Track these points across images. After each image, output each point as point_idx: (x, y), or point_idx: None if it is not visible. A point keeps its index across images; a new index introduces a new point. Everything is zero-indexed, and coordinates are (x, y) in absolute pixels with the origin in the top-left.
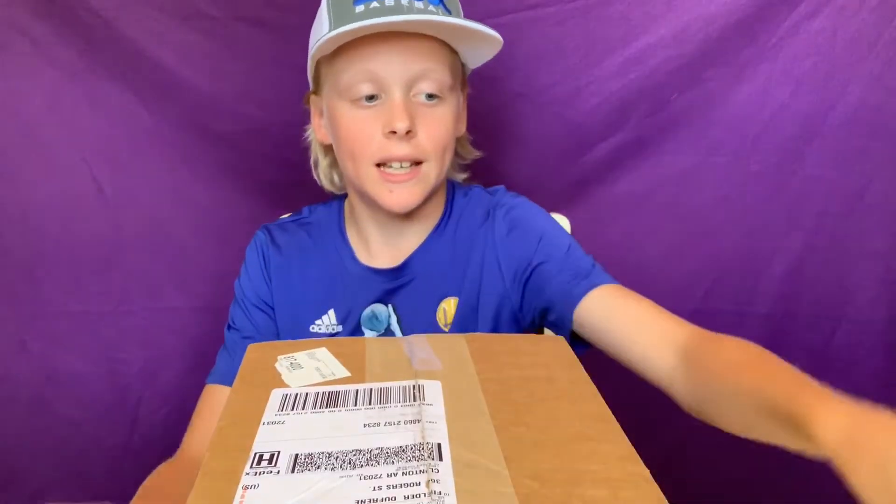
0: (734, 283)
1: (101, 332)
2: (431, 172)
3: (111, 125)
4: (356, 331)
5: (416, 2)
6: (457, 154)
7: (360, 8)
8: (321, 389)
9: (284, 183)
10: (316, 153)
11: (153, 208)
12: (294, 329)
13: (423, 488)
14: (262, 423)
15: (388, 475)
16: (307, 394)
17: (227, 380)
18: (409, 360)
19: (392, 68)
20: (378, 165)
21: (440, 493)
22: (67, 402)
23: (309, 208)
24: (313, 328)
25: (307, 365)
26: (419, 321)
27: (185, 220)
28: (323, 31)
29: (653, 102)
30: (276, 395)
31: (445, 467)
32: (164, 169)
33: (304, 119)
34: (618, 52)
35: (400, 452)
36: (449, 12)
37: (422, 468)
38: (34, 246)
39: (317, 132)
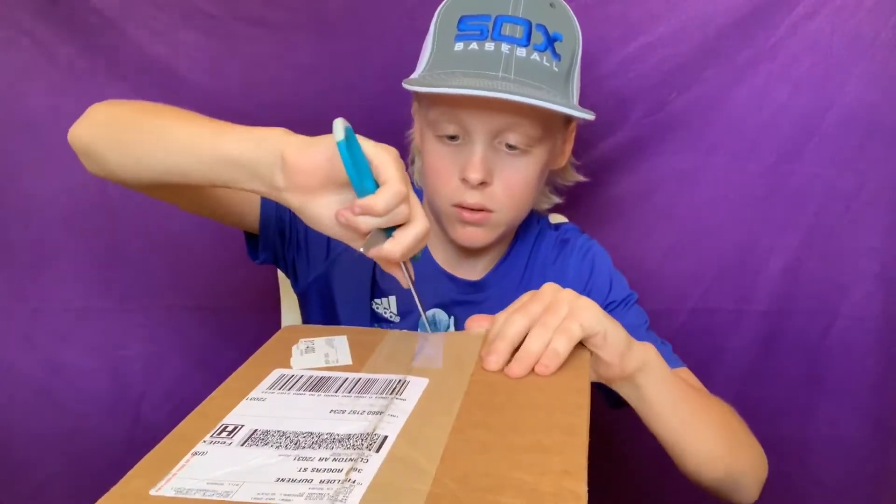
0: (732, 281)
1: (103, 328)
2: (502, 220)
3: None
4: (413, 328)
5: (518, 48)
6: (559, 178)
7: (459, 46)
8: (316, 374)
9: None
10: (413, 153)
11: (154, 207)
12: (356, 296)
13: (341, 475)
14: (246, 397)
15: (319, 459)
16: (301, 376)
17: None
18: (412, 356)
19: (476, 118)
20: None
21: (354, 482)
22: (70, 398)
23: None
24: (375, 305)
25: (319, 350)
26: None
27: (186, 219)
28: (424, 58)
29: (651, 102)
30: (274, 375)
31: (377, 459)
32: None
33: (304, 119)
34: (616, 52)
35: (344, 440)
36: (557, 57)
37: (352, 457)
38: (37, 243)
39: (416, 137)
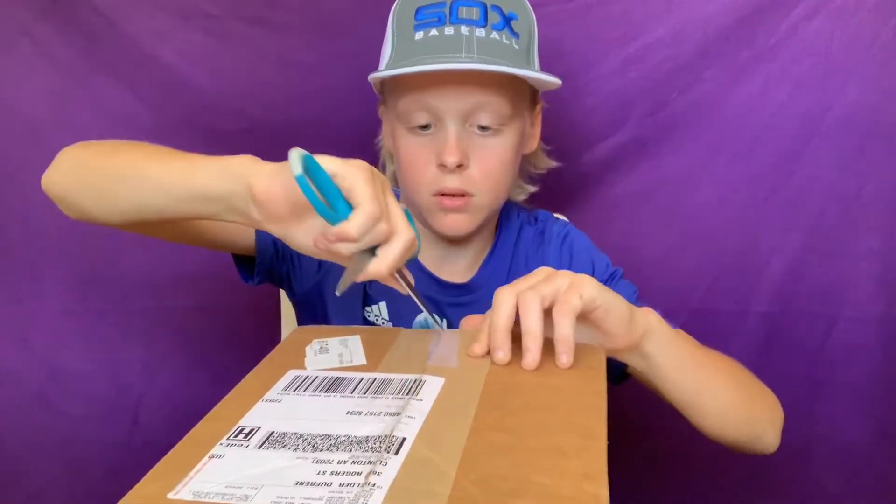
0: (733, 282)
1: (102, 331)
2: (483, 203)
3: (112, 125)
4: None
5: (477, 29)
6: (531, 166)
7: (419, 35)
8: (330, 374)
9: None
10: (384, 158)
11: None
12: (348, 305)
13: (360, 478)
14: (262, 399)
15: (338, 462)
16: (316, 377)
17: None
18: (427, 355)
19: (446, 101)
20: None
21: (374, 485)
22: (68, 401)
23: None
24: (366, 313)
25: (333, 350)
26: None
27: None
28: (386, 54)
29: (652, 102)
30: (289, 376)
31: (396, 462)
32: None
33: (304, 119)
34: (617, 52)
35: (362, 442)
36: (516, 36)
37: (371, 459)
38: (36, 245)
39: (385, 140)
